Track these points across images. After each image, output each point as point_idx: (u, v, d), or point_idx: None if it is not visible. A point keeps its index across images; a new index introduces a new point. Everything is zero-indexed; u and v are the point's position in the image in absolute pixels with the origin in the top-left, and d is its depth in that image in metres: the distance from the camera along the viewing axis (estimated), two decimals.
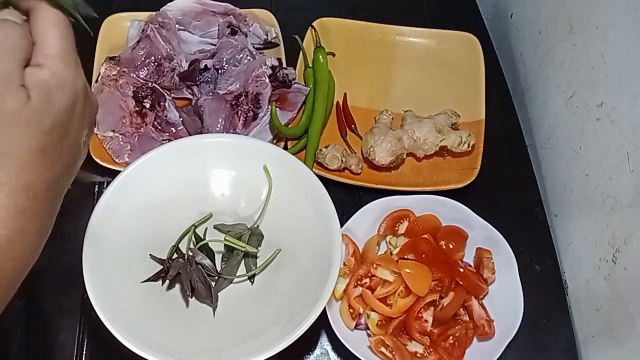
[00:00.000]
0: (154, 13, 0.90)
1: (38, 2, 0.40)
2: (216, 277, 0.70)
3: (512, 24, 1.02)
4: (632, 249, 0.66)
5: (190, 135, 0.82)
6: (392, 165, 0.82)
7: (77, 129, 0.41)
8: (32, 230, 0.39)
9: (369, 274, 0.72)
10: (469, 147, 0.83)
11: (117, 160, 0.80)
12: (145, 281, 0.68)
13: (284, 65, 0.86)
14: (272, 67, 0.84)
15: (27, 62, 0.39)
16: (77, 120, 0.41)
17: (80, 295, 0.72)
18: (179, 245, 0.71)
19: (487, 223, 0.75)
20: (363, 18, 0.97)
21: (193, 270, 0.68)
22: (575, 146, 0.79)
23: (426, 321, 0.70)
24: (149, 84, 0.84)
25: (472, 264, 0.76)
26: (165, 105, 0.84)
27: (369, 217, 0.77)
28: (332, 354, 0.71)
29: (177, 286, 0.70)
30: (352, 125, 0.88)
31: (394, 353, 0.68)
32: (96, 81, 0.84)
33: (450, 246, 0.75)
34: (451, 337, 0.69)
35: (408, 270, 0.70)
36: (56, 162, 0.39)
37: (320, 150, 0.82)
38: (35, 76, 0.38)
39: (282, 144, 0.84)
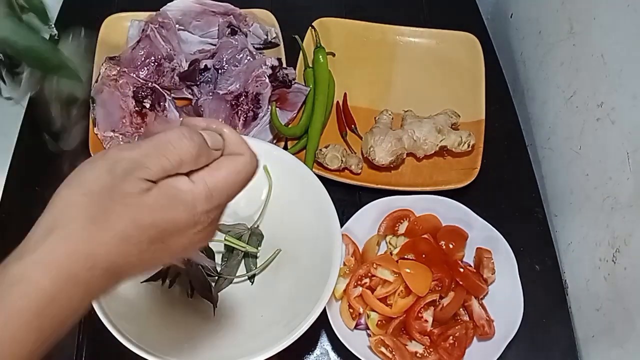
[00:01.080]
0: (154, 13, 0.90)
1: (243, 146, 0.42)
2: (216, 277, 0.70)
3: (512, 24, 1.02)
4: (632, 249, 0.66)
5: None
6: (392, 165, 0.82)
7: (175, 247, 0.40)
8: (73, 298, 0.36)
9: (369, 274, 0.72)
10: (469, 147, 0.83)
11: None
12: (145, 281, 0.68)
13: (284, 65, 0.86)
14: (272, 67, 0.84)
15: (186, 168, 0.39)
16: (180, 239, 0.40)
17: None
18: None
19: (487, 223, 0.75)
20: (363, 18, 0.97)
21: (193, 270, 0.68)
22: (575, 146, 0.79)
23: (426, 321, 0.70)
24: (149, 84, 0.84)
25: (472, 264, 0.76)
26: (165, 105, 0.84)
27: (369, 217, 0.77)
28: (332, 354, 0.71)
29: (177, 286, 0.70)
30: (352, 125, 0.88)
31: (394, 353, 0.68)
32: (96, 81, 0.84)
33: (450, 246, 0.75)
34: (451, 337, 0.69)
35: (408, 270, 0.70)
36: (132, 255, 0.38)
37: (320, 150, 0.82)
38: (172, 182, 0.38)
39: (282, 144, 0.84)
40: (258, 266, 0.72)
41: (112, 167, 0.38)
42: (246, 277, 0.71)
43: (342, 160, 0.81)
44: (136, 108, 0.83)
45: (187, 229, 0.40)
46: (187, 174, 0.39)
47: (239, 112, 0.83)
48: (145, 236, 0.38)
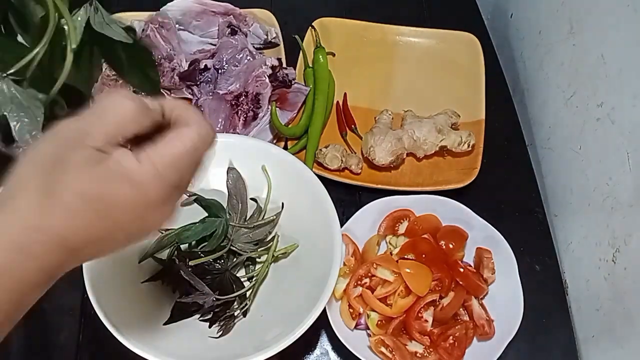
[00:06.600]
0: (154, 13, 0.90)
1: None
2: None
3: (512, 24, 1.02)
4: (632, 249, 0.66)
5: None
6: (392, 165, 0.82)
7: (129, 227, 0.39)
8: (28, 270, 0.36)
9: (369, 274, 0.72)
10: (469, 147, 0.83)
11: None
12: (145, 281, 0.68)
13: (284, 65, 0.86)
14: (272, 67, 0.84)
15: (134, 138, 0.38)
16: (131, 217, 0.39)
17: (80, 295, 0.72)
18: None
19: (487, 223, 0.75)
20: (363, 18, 0.97)
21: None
22: (575, 146, 0.79)
23: (426, 321, 0.70)
24: None
25: (472, 264, 0.76)
26: None
27: (369, 217, 0.77)
28: (332, 354, 0.71)
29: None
30: (352, 125, 0.88)
31: (394, 353, 0.68)
32: (96, 81, 0.84)
33: (450, 246, 0.75)
34: (451, 337, 0.69)
35: (408, 270, 0.70)
36: (81, 229, 0.37)
37: (320, 150, 0.82)
38: (118, 157, 0.37)
39: (282, 144, 0.84)
40: (258, 267, 0.72)
41: (58, 138, 0.38)
42: (246, 278, 0.71)
43: (342, 160, 0.81)
44: None
45: (136, 208, 0.38)
46: (136, 151, 0.38)
47: (239, 112, 0.83)
48: (91, 210, 0.37)
